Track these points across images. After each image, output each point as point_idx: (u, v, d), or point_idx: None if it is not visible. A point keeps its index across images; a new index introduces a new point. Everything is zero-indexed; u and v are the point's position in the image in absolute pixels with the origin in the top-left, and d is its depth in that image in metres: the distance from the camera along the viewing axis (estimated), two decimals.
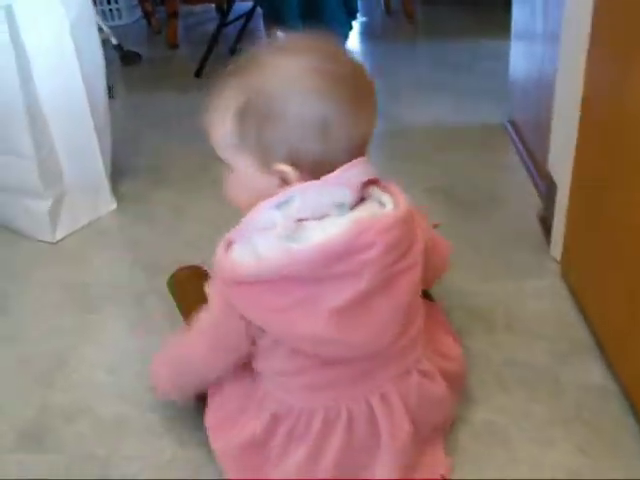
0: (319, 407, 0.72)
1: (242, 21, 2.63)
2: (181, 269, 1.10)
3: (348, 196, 0.66)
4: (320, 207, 0.65)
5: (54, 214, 1.41)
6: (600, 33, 1.01)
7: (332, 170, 0.66)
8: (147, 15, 3.13)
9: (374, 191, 0.70)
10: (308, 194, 0.65)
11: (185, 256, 1.29)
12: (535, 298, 1.14)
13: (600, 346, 1.00)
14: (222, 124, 0.68)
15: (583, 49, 1.06)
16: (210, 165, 1.72)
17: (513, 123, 1.72)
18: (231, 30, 2.61)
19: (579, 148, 1.10)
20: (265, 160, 0.67)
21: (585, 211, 1.09)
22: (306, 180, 0.66)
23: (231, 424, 0.77)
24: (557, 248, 1.21)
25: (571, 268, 1.15)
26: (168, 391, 0.87)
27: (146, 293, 1.22)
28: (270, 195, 0.66)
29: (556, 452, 0.85)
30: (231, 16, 2.57)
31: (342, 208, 0.66)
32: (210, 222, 1.46)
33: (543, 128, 1.35)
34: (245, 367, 0.77)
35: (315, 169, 0.66)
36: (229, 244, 0.68)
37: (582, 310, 1.08)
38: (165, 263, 1.28)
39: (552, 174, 1.25)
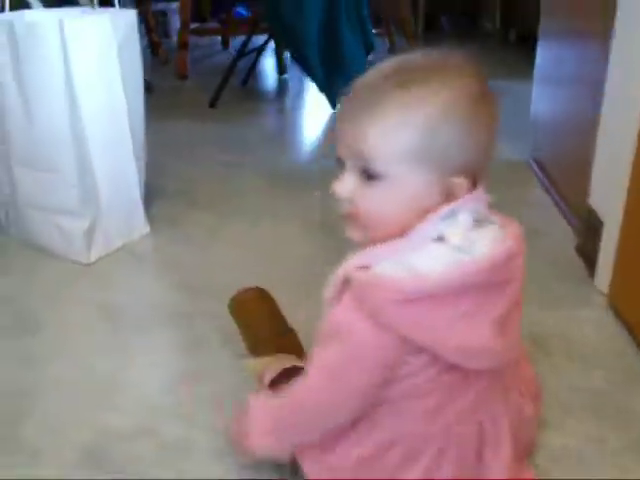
0: (435, 433, 0.71)
1: (254, 54, 2.68)
2: (242, 291, 1.09)
3: (482, 209, 0.68)
4: (471, 219, 0.67)
5: (89, 235, 1.39)
6: None
7: (475, 184, 0.68)
8: (154, 46, 3.15)
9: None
10: (469, 207, 0.66)
11: (226, 278, 1.30)
12: (586, 328, 1.15)
13: None
14: (398, 138, 0.64)
15: (633, 90, 1.10)
16: (235, 190, 1.78)
17: (538, 161, 1.76)
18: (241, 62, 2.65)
19: (633, 186, 1.13)
20: (444, 174, 0.66)
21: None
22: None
23: (327, 448, 0.75)
24: (603, 281, 1.23)
25: (622, 300, 1.17)
26: (268, 448, 0.77)
27: (190, 314, 1.21)
28: (428, 210, 0.66)
29: (630, 476, 0.85)
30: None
31: (477, 221, 0.68)
32: (245, 245, 1.48)
33: (579, 166, 1.39)
34: None
35: (471, 183, 0.68)
36: (364, 268, 0.65)
37: (637, 342, 1.10)
38: (206, 284, 1.30)
39: (595, 209, 1.28)
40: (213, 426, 0.94)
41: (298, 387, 0.73)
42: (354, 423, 0.73)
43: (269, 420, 0.76)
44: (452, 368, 0.68)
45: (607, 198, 1.24)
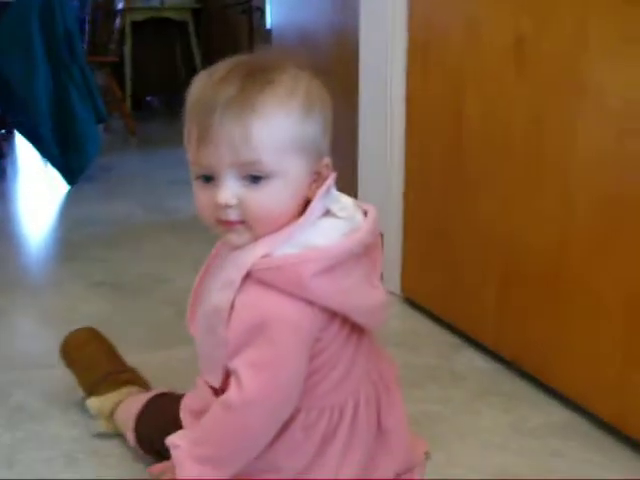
0: (348, 397, 0.73)
1: None
2: (74, 332, 1.02)
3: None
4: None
5: None
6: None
7: None
8: None
9: None
10: (333, 182, 0.71)
11: (26, 348, 1.24)
12: (395, 322, 1.29)
13: (469, 339, 1.20)
14: (281, 132, 0.66)
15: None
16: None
17: None
18: None
19: (407, 198, 1.33)
20: (317, 157, 0.69)
21: (424, 246, 1.31)
22: None
23: None
24: (393, 281, 1.39)
25: (418, 293, 1.34)
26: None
27: (2, 388, 1.09)
28: (305, 195, 0.69)
29: (485, 420, 0.99)
30: None
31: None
32: (34, 314, 1.41)
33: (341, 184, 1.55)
34: None
35: None
36: (267, 256, 0.66)
37: (440, 320, 1.27)
38: (5, 357, 1.20)
39: None
40: None
41: (233, 404, 0.67)
42: None
43: (203, 451, 0.70)
44: (352, 332, 0.72)
45: (381, 211, 1.40)
